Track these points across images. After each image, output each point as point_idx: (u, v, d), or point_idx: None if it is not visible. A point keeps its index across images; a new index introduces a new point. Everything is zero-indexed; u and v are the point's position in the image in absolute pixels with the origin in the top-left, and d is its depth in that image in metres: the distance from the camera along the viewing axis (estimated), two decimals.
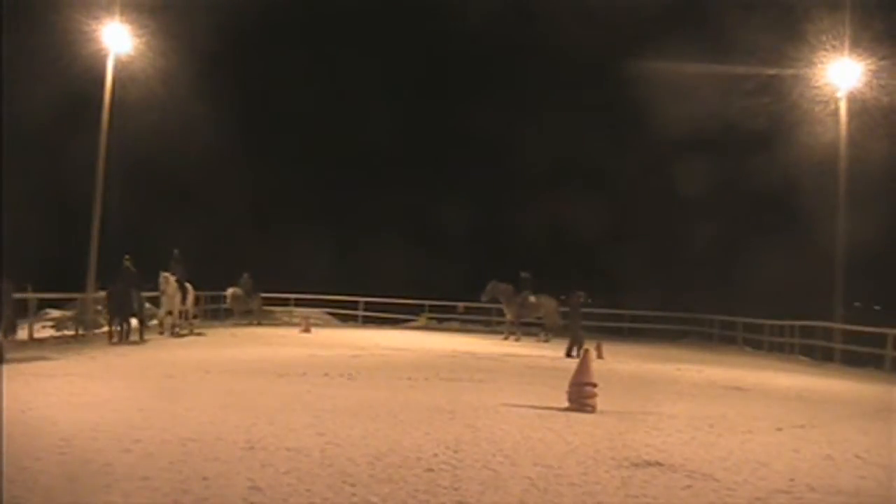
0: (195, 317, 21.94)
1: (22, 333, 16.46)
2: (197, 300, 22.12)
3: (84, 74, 21.83)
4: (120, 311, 17.25)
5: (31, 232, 22.75)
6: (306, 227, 36.08)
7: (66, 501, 5.01)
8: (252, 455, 6.25)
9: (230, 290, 25.37)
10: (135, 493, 5.15)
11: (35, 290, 17.23)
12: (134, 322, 17.91)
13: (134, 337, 17.47)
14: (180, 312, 19.99)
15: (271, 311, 29.32)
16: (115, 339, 16.85)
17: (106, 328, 17.74)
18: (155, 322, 20.02)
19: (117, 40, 21.70)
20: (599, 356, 16.65)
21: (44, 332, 17.54)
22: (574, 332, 17.99)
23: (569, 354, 17.18)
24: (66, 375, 10.76)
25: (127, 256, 17.93)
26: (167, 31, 22.56)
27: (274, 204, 39.03)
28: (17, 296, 16.51)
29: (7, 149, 20.96)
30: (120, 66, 21.92)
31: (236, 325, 24.53)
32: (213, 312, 26.17)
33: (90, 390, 9.42)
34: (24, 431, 6.80)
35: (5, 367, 10.88)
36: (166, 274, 18.85)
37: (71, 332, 17.86)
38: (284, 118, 39.55)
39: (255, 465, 5.92)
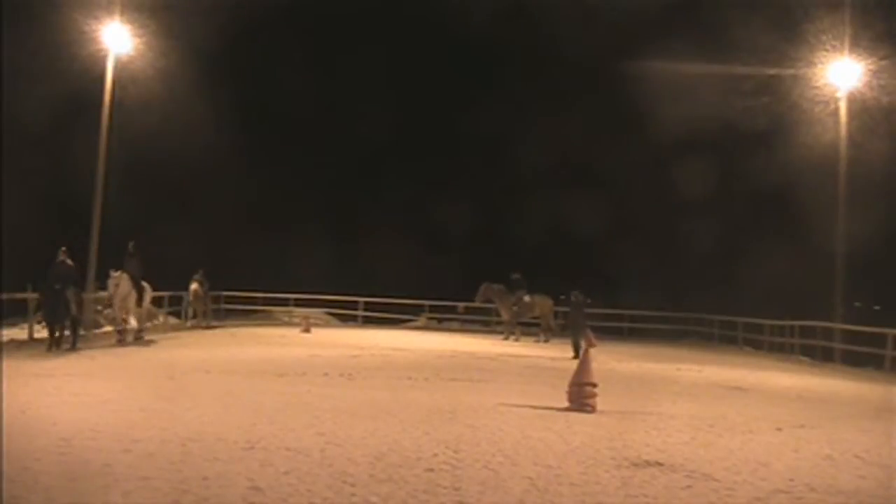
0: (150, 319, 19.79)
1: (22, 333, 16.44)
2: (153, 301, 19.79)
3: (84, 74, 21.82)
4: (54, 314, 14.61)
5: (31, 232, 22.76)
6: (306, 226, 36.12)
7: (66, 501, 5.01)
8: (252, 455, 6.25)
9: (193, 287, 22.97)
10: (135, 493, 5.15)
11: (35, 290, 17.08)
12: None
13: (65, 345, 14.84)
14: (135, 315, 17.28)
15: (258, 313, 29.13)
16: (51, 347, 14.35)
17: (107, 328, 17.65)
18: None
19: (117, 40, 21.69)
20: (591, 345, 16.56)
21: (44, 332, 17.50)
22: (574, 332, 17.95)
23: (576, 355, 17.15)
24: (66, 375, 10.76)
25: (63, 249, 15.50)
26: (167, 31, 22.55)
27: (274, 203, 39.09)
28: (17, 296, 16.50)
29: (7, 149, 21.00)
30: (120, 66, 21.92)
31: (191, 328, 22.70)
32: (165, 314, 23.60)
33: (90, 390, 9.42)
34: (24, 431, 6.80)
35: (5, 367, 10.87)
36: (117, 273, 16.64)
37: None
38: (284, 118, 39.68)
39: (255, 465, 5.92)
